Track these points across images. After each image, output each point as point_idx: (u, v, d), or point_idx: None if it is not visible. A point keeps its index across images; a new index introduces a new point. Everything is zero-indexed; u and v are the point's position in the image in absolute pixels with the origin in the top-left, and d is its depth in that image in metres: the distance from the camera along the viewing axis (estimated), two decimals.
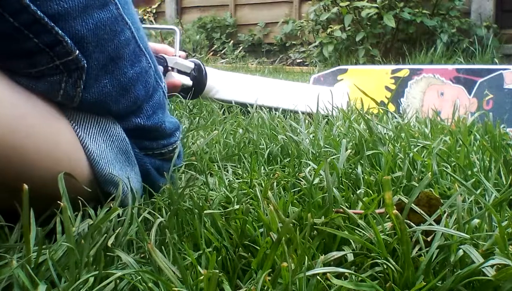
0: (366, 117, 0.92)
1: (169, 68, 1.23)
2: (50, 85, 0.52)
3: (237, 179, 0.73)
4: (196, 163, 0.79)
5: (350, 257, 0.46)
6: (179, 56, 1.26)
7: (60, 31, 0.49)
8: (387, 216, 0.50)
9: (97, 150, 0.56)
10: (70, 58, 0.51)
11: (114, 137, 0.58)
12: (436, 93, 1.46)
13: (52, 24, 0.49)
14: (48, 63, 0.50)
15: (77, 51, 0.51)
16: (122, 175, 0.58)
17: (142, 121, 0.61)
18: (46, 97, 0.52)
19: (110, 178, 0.57)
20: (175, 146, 0.68)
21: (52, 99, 0.53)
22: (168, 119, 0.67)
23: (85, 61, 0.52)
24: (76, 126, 0.55)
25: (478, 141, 0.89)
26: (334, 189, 0.57)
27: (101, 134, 0.57)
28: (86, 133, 0.55)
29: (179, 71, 1.26)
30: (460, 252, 0.44)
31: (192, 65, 1.29)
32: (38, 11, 0.47)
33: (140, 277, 0.41)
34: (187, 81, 1.27)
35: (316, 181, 0.63)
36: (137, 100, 0.59)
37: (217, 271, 0.39)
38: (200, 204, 0.56)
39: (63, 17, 0.49)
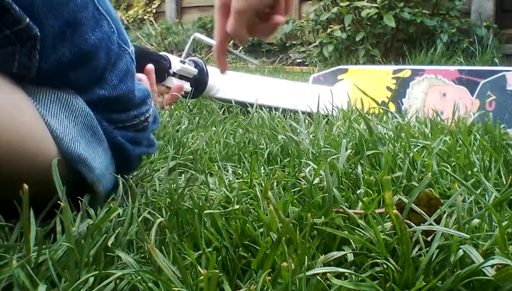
0: (366, 117, 0.92)
1: (172, 72, 1.23)
2: (4, 57, 0.49)
3: (237, 179, 0.73)
4: (195, 162, 0.79)
5: (350, 257, 0.46)
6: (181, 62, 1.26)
7: None
8: (387, 216, 0.50)
9: (60, 127, 0.53)
10: (20, 27, 0.48)
11: (77, 112, 0.55)
12: (438, 94, 1.46)
13: None
14: None
15: (27, 19, 0.48)
16: (89, 151, 0.55)
17: (107, 93, 0.57)
18: (2, 70, 0.49)
19: (77, 155, 0.54)
20: (147, 115, 0.64)
21: (8, 71, 0.50)
22: (137, 87, 0.63)
23: (37, 30, 0.49)
24: (36, 103, 0.52)
25: (478, 141, 0.89)
26: (334, 189, 0.57)
27: (63, 110, 0.54)
28: (46, 110, 0.52)
29: (182, 77, 1.26)
30: (460, 252, 0.44)
31: (195, 72, 1.29)
32: None
33: (140, 277, 0.41)
34: (187, 87, 1.27)
35: (316, 181, 0.63)
36: (97, 68, 0.56)
37: (217, 271, 0.39)
38: (200, 204, 0.56)
39: None
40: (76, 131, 0.55)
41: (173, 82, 1.23)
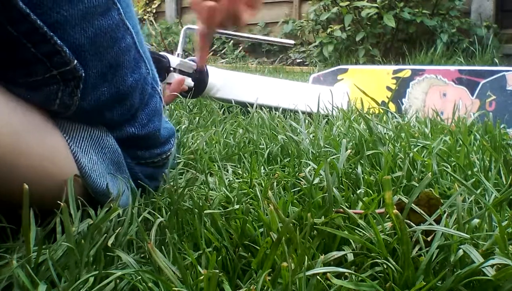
0: (366, 117, 0.92)
1: (172, 69, 1.23)
2: (47, 95, 0.50)
3: (237, 178, 0.73)
4: (195, 162, 0.79)
5: (350, 257, 0.46)
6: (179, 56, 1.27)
7: (58, 41, 0.47)
8: (387, 216, 0.50)
9: (89, 163, 0.54)
10: (68, 68, 0.49)
11: (106, 149, 0.57)
12: (438, 94, 1.46)
13: (51, 34, 0.47)
14: (45, 73, 0.49)
15: (75, 61, 0.49)
16: (112, 185, 0.57)
17: (137, 131, 0.59)
18: (41, 107, 0.51)
19: (102, 190, 0.55)
20: (169, 154, 0.66)
21: (48, 109, 0.51)
22: (163, 126, 0.65)
23: (82, 71, 0.50)
24: (69, 139, 0.53)
25: (478, 141, 0.89)
26: (334, 189, 0.57)
27: (93, 146, 0.56)
28: (78, 147, 0.54)
29: (182, 72, 1.26)
30: (460, 252, 0.44)
31: (194, 66, 1.29)
32: (38, 20, 0.46)
33: (140, 277, 0.41)
34: (189, 82, 1.27)
35: (316, 181, 0.63)
36: (131, 108, 0.58)
37: (217, 271, 0.39)
38: (200, 204, 0.56)
39: (62, 26, 0.47)
40: (103, 167, 0.57)
41: (175, 77, 1.23)
